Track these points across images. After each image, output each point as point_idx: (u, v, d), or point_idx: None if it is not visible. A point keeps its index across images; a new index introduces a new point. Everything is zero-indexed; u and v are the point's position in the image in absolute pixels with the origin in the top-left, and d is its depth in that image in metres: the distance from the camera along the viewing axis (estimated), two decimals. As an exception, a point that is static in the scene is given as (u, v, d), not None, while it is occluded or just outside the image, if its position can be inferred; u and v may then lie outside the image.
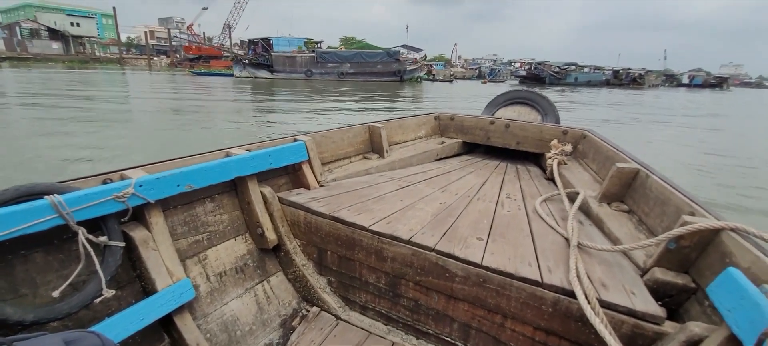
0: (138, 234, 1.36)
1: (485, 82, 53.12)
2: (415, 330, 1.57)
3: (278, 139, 2.06)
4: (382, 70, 36.14)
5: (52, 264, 1.24)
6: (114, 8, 59.85)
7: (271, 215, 1.79)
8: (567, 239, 1.49)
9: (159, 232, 1.42)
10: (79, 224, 1.20)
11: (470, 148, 3.37)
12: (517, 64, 63.61)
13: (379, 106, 15.84)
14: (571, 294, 1.17)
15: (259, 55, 36.54)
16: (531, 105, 3.78)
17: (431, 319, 1.50)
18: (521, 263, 1.32)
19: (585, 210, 1.84)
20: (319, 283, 1.77)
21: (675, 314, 1.17)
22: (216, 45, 57.56)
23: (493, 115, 3.68)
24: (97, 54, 62.25)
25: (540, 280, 1.23)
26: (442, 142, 3.13)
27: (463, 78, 63.62)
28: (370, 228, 1.56)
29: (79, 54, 56.90)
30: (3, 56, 48.25)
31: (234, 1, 54.27)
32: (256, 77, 34.86)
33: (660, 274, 1.20)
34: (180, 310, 1.39)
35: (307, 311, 1.74)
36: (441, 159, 2.97)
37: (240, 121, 10.60)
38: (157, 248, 1.39)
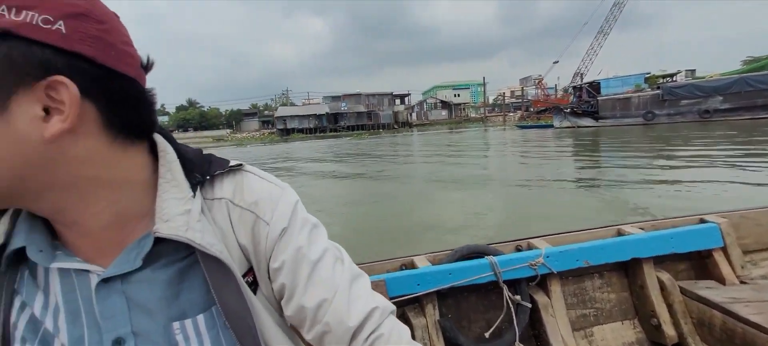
0: (540, 299, 1.52)
1: None
2: None
3: (678, 217, 1.86)
4: (790, 100, 22.89)
5: (480, 308, 1.54)
6: (483, 78, 74.49)
7: (669, 306, 1.58)
8: None
9: (557, 300, 1.53)
10: (503, 282, 1.45)
11: None
12: None
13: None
14: None
15: (584, 101, 32.92)
16: None
17: None
18: None
19: None
20: None
21: None
22: (563, 95, 57.20)
23: None
24: (470, 115, 78.25)
25: None
26: None
27: None
28: None
29: (456, 117, 73.85)
30: (414, 123, 70.70)
31: (587, 48, 52.12)
32: (577, 126, 31.54)
33: None
34: None
35: None
36: None
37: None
38: (555, 315, 1.51)
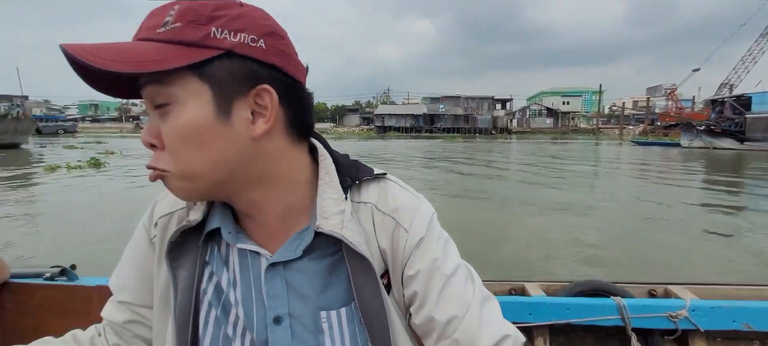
0: None
1: None
2: None
3: None
4: None
5: None
6: (600, 85, 66.97)
7: None
8: None
9: None
10: (632, 329, 1.28)
11: None
12: None
13: None
14: None
15: (725, 118, 27.19)
16: None
17: None
18: None
19: None
20: None
21: None
22: (703, 109, 48.27)
23: None
24: (581, 126, 71.08)
25: None
26: None
27: None
28: None
29: (563, 126, 67.84)
30: (514, 130, 67.08)
31: (742, 54, 43.08)
32: (712, 148, 26.16)
33: None
34: None
35: None
36: None
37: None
38: None
